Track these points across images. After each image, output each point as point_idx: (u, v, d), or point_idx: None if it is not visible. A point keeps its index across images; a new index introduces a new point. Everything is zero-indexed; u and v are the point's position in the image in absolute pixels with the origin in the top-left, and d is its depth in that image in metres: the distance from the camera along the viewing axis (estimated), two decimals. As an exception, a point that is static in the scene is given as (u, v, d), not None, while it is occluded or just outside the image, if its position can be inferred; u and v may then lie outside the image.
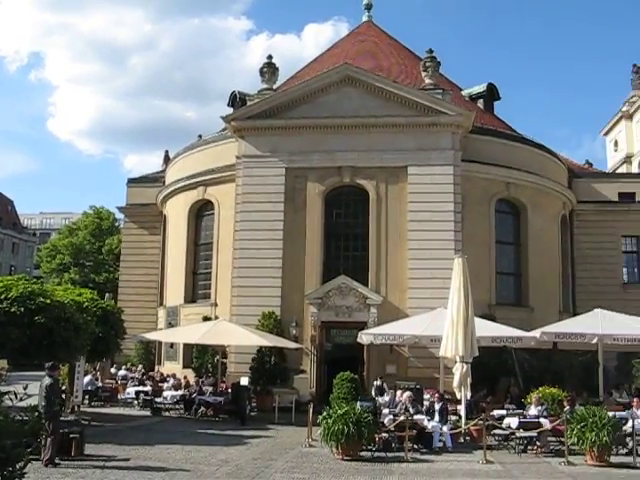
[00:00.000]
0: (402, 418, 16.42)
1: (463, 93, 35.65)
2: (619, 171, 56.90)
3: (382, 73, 31.53)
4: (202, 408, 23.53)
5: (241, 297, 27.51)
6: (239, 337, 24.19)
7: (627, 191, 36.64)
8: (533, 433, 16.75)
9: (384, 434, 16.44)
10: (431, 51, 29.54)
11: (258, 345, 25.39)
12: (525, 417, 17.44)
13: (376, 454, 15.85)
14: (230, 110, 32.65)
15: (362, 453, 15.62)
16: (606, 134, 65.00)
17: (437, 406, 18.06)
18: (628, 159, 58.73)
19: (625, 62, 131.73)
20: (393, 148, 27.92)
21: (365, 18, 41.52)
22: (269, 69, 30.13)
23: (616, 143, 62.32)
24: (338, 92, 28.93)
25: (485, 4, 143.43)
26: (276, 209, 28.08)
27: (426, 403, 19.56)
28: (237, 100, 33.20)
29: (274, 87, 30.39)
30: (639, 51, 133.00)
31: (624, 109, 60.10)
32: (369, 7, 41.68)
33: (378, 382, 23.40)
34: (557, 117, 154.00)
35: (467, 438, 18.34)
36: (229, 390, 24.16)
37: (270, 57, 30.42)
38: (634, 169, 56.81)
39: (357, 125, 28.38)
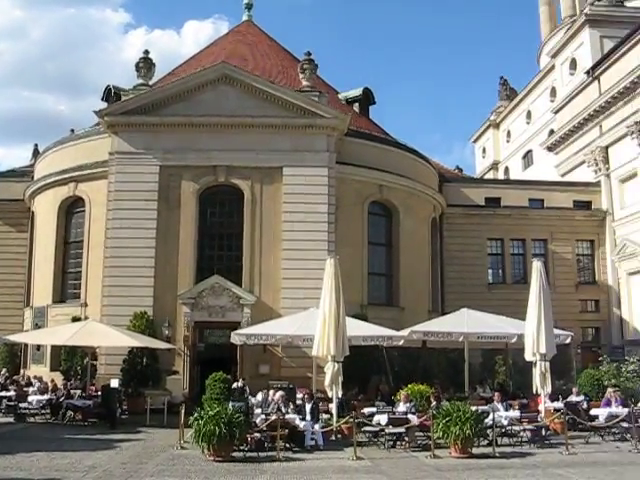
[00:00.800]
0: (274, 417, 16.46)
1: (340, 96, 36.19)
2: (486, 177, 59.50)
3: (260, 73, 31.57)
4: (70, 412, 22.61)
5: (112, 297, 26.75)
6: (110, 338, 23.43)
7: (493, 196, 38.36)
8: (401, 429, 17.21)
9: (256, 434, 16.41)
10: (309, 54, 29.80)
11: (129, 346, 24.78)
12: (394, 414, 17.87)
13: (248, 454, 15.78)
14: (104, 105, 31.72)
15: (234, 454, 15.51)
16: (475, 141, 67.78)
17: (308, 405, 18.24)
18: (495, 166, 61.55)
19: (495, 73, 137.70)
20: (269, 148, 27.99)
21: (245, 17, 41.45)
22: (145, 64, 29.48)
23: (484, 150, 65.12)
24: (215, 91, 28.69)
25: (366, 11, 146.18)
26: (149, 207, 27.51)
27: (299, 402, 19.70)
28: (112, 95, 32.28)
29: (150, 83, 29.79)
30: (507, 63, 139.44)
31: (492, 118, 62.91)
32: (249, 7, 41.67)
33: (239, 383, 23.11)
34: (430, 123, 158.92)
35: (338, 436, 18.56)
36: (99, 393, 23.42)
37: (147, 52, 29.77)
38: (500, 175, 59.60)
39: (233, 125, 28.24)
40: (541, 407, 19.25)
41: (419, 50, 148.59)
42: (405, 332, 22.64)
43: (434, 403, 18.45)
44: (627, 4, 44.75)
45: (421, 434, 17.68)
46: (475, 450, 15.98)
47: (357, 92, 36.21)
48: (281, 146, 28.11)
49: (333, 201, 27.87)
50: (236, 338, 23.07)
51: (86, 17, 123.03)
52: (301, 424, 17.36)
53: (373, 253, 30.66)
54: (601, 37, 42.60)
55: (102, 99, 33.71)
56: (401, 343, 22.99)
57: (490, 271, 37.90)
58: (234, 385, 22.63)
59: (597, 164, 39.57)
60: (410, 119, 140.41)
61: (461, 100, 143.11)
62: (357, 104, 35.93)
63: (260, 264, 27.47)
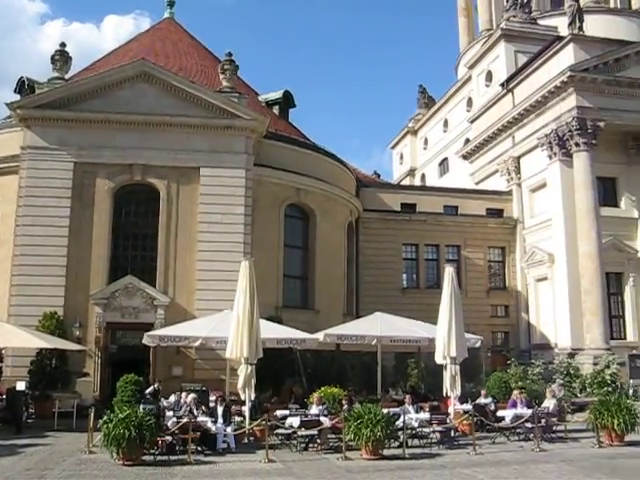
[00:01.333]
0: (185, 420, 16.31)
1: (260, 98, 36.12)
2: (403, 183, 60.46)
3: (180, 72, 31.20)
4: (-28, 416, 21.80)
5: (21, 296, 25.87)
6: (17, 339, 22.61)
7: (409, 202, 39.05)
8: (314, 431, 17.32)
9: (167, 437, 16.23)
10: (230, 54, 29.63)
11: (38, 347, 24.03)
12: (307, 416, 17.97)
13: (159, 458, 15.61)
14: (17, 97, 30.71)
15: (144, 457, 15.32)
16: (393, 147, 68.75)
17: (220, 408, 18.14)
18: (412, 172, 62.60)
19: (415, 81, 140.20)
20: (186, 148, 27.70)
21: (167, 15, 40.87)
22: (61, 57, 28.70)
23: (402, 156, 66.16)
24: (133, 88, 28.20)
25: (289, 15, 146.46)
26: (62, 205, 26.77)
27: (212, 405, 19.56)
28: (25, 87, 31.20)
29: (67, 77, 29.01)
30: (427, 72, 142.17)
31: (410, 125, 63.97)
32: (171, 4, 41.12)
33: (155, 386, 22.65)
34: (350, 129, 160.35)
35: (251, 439, 18.55)
36: (3, 396, 22.61)
37: (63, 45, 28.94)
38: (417, 182, 60.65)
39: (151, 123, 27.82)
40: (451, 409, 19.72)
41: (342, 56, 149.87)
42: (319, 335, 22.79)
43: (346, 406, 18.64)
44: (540, 22, 46.35)
45: (333, 436, 17.83)
46: (386, 452, 16.23)
47: (277, 95, 36.22)
48: (199, 146, 27.86)
49: (250, 203, 27.79)
50: (149, 339, 22.72)
51: (1, 4, 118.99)
52: (213, 427, 17.25)
53: (289, 256, 30.72)
54: (515, 52, 43.97)
55: (15, 91, 32.56)
56: (315, 346, 23.16)
57: (405, 276, 38.56)
58: (149, 389, 22.22)
59: (509, 173, 40.82)
60: (330, 124, 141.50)
61: (381, 107, 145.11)
62: (277, 107, 35.92)
63: (175, 265, 27.14)
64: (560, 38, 38.11)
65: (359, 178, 39.30)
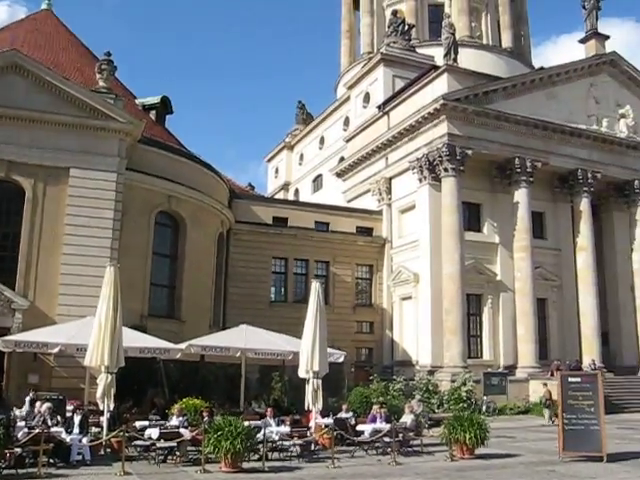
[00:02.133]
0: (37, 431, 15.61)
1: (137, 102, 35.33)
2: (277, 197, 60.85)
3: (55, 68, 29.98)
4: None
5: None
6: None
7: (281, 216, 39.36)
8: (173, 443, 17.03)
9: (17, 449, 15.42)
10: (109, 54, 28.74)
11: None
12: (166, 428, 17.65)
13: (6, 471, 14.77)
14: None
15: (-9, 470, 14.54)
16: (269, 161, 69.15)
17: (77, 418, 17.50)
18: (286, 186, 63.18)
19: (296, 97, 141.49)
20: (56, 147, 26.56)
21: (45, 6, 39.14)
22: None
23: (277, 170, 66.64)
24: (3, 79, 26.80)
25: (173, 21, 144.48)
26: None
27: (68, 414, 18.83)
28: None
29: None
30: (308, 89, 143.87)
31: (287, 140, 64.60)
32: (50, -7, 39.49)
33: (31, 395, 21.50)
34: (229, 140, 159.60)
35: (108, 450, 17.98)
36: None
37: None
38: (290, 196, 61.22)
39: (20, 118, 26.43)
40: (312, 423, 19.88)
41: (225, 68, 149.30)
42: (183, 345, 22.49)
43: (207, 418, 18.45)
44: (418, 50, 48.10)
45: (193, 449, 17.59)
46: (245, 465, 16.14)
47: (155, 99, 35.59)
48: (70, 146, 26.78)
49: (120, 208, 26.99)
50: (3, 345, 21.64)
51: None
52: (67, 438, 16.61)
53: (157, 264, 30.10)
54: (394, 76, 45.47)
55: None
56: (179, 356, 22.84)
57: (273, 289, 38.74)
58: (27, 398, 21.02)
59: (381, 194, 41.95)
60: (208, 134, 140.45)
61: (261, 121, 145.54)
62: (154, 112, 35.30)
63: (37, 267, 25.90)
64: (436, 67, 39.72)
65: (233, 189, 39.19)
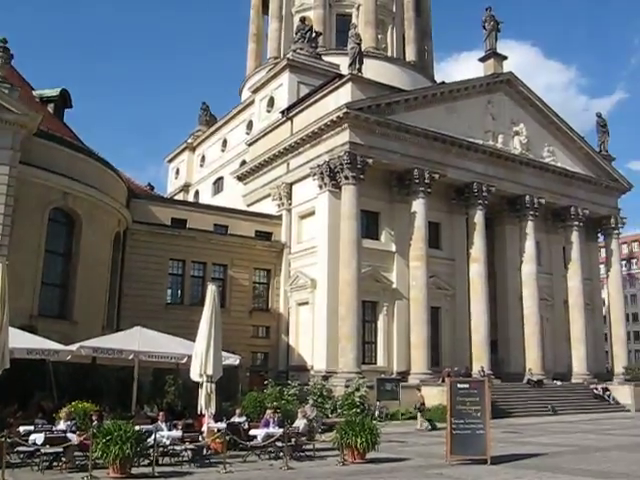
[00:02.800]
0: None
1: (34, 93, 34.04)
2: (177, 198, 60.03)
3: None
4: None
5: None
6: None
7: (180, 217, 38.84)
8: (59, 449, 16.44)
9: None
10: (5, 41, 27.43)
11: None
12: (52, 432, 17.05)
13: None
14: None
15: None
16: (170, 161, 68.11)
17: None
18: (186, 187, 62.44)
19: (201, 99, 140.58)
20: (-55, 137, 25.37)
21: None
22: None
23: (178, 171, 65.77)
24: None
25: (77, 12, 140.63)
26: None
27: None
28: None
29: None
30: (214, 91, 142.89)
31: (189, 141, 63.92)
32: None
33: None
34: (131, 138, 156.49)
35: (-13, 456, 17.21)
36: None
37: None
38: (190, 198, 60.52)
39: None
40: (205, 427, 19.67)
41: (129, 66, 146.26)
42: (74, 347, 21.79)
43: (96, 422, 17.96)
44: (324, 58, 48.55)
45: (81, 454, 17.05)
46: (135, 470, 15.81)
47: (54, 92, 34.41)
48: (-41, 136, 25.61)
49: (11, 202, 25.81)
50: None
51: None
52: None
53: (50, 262, 29.00)
54: (299, 82, 45.74)
55: None
56: (69, 358, 22.10)
57: (169, 291, 38.13)
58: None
59: (281, 199, 42.05)
60: (110, 131, 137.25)
61: (165, 121, 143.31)
62: (53, 105, 34.15)
63: None
64: (341, 76, 40.16)
65: (132, 188, 38.41)
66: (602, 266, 54.29)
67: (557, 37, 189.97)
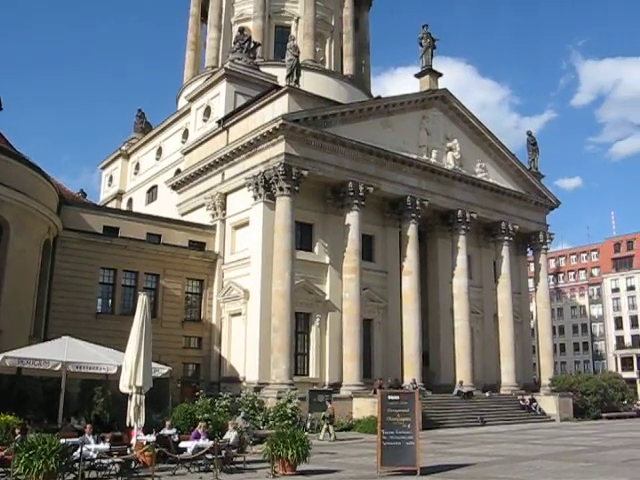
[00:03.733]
0: None
1: (-39, 95, 33.09)
2: (110, 205, 58.95)
3: None
4: None
5: None
6: None
7: (112, 225, 38.15)
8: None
9: None
10: None
11: None
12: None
13: None
14: None
15: None
16: (104, 168, 66.88)
17: None
18: (119, 195, 61.38)
19: (136, 105, 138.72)
20: None
21: None
22: None
23: (111, 178, 64.64)
24: None
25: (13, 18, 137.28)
26: None
27: None
28: None
29: None
30: (151, 98, 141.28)
31: (123, 148, 62.91)
32: None
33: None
34: (64, 144, 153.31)
35: None
36: None
37: None
38: (123, 206, 59.53)
39: None
40: (133, 440, 19.32)
41: (63, 66, 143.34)
42: (-1, 357, 21.16)
43: (19, 435, 17.45)
44: (262, 69, 48.53)
45: (1, 469, 16.51)
46: (59, 484, 15.42)
47: (-18, 94, 33.46)
48: None
49: None
50: None
51: None
52: None
53: (-26, 269, 28.21)
54: (236, 92, 45.56)
55: None
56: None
57: (100, 300, 37.33)
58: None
59: (215, 209, 41.76)
60: (45, 138, 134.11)
61: (100, 127, 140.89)
62: (-19, 108, 33.17)
63: None
64: (278, 87, 40.25)
65: (63, 195, 37.56)
66: (530, 280, 55.60)
67: (491, 56, 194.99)
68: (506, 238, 48.38)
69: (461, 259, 45.11)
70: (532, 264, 55.35)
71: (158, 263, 38.45)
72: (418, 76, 47.19)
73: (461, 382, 42.29)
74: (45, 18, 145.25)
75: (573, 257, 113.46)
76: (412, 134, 43.79)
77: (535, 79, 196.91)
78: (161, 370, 22.96)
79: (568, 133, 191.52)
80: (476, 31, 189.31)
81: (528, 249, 53.55)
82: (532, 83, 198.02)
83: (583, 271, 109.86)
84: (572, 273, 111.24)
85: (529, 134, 54.18)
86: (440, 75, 47.21)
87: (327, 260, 39.66)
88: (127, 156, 62.54)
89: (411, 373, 39.77)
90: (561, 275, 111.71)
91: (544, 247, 52.43)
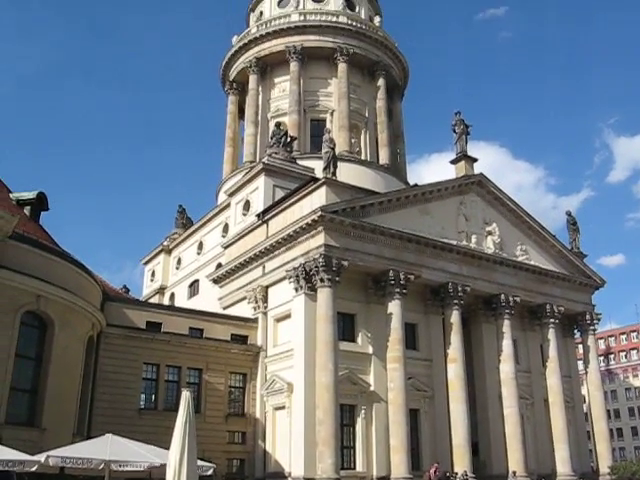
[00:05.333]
0: None
1: (11, 196, 34.07)
2: (152, 300, 59.59)
3: None
4: None
5: None
6: None
7: (155, 320, 38.37)
8: None
9: None
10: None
11: None
12: None
13: None
14: None
15: None
16: (146, 263, 67.93)
17: None
18: (162, 290, 62.03)
19: (177, 201, 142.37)
20: None
21: None
22: None
23: (153, 273, 65.50)
24: None
25: (49, 116, 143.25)
26: None
27: None
28: None
29: None
30: (190, 194, 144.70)
31: (165, 243, 63.98)
32: None
33: None
34: (105, 240, 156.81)
35: None
36: None
37: None
38: (166, 300, 60.08)
39: None
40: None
41: (105, 166, 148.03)
42: (41, 457, 20.96)
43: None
44: (299, 162, 49.45)
45: None
46: None
47: (31, 195, 34.42)
48: None
49: (-17, 306, 25.55)
50: None
51: None
52: None
53: (20, 366, 28.20)
54: (274, 186, 46.36)
55: None
56: (35, 469, 21.23)
57: (143, 396, 37.19)
58: None
59: (257, 301, 41.84)
60: (84, 233, 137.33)
61: (141, 223, 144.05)
62: (29, 207, 34.17)
63: None
64: (315, 179, 40.80)
65: (106, 291, 38.03)
66: (580, 362, 54.08)
67: (523, 138, 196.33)
68: (552, 320, 47.39)
69: (507, 344, 44.22)
70: (580, 346, 53.96)
71: (201, 357, 38.37)
72: (453, 162, 47.63)
73: (514, 472, 40.65)
74: (85, 111, 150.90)
75: (623, 336, 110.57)
76: (451, 220, 43.86)
77: (569, 159, 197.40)
78: (204, 467, 22.52)
79: (607, 210, 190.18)
80: (506, 114, 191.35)
81: (575, 330, 52.32)
82: (566, 163, 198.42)
83: (635, 350, 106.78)
84: (623, 353, 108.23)
85: (568, 214, 53.98)
86: (475, 160, 47.59)
87: (370, 350, 39.20)
88: (169, 251, 63.53)
89: (461, 464, 38.51)
90: (612, 356, 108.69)
91: (592, 328, 51.19)
